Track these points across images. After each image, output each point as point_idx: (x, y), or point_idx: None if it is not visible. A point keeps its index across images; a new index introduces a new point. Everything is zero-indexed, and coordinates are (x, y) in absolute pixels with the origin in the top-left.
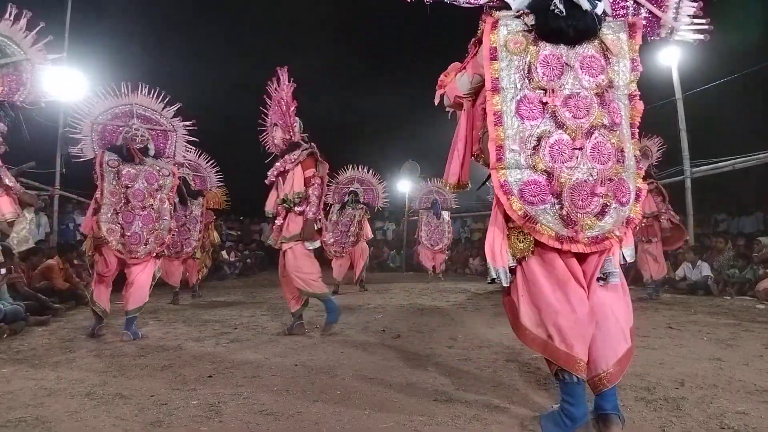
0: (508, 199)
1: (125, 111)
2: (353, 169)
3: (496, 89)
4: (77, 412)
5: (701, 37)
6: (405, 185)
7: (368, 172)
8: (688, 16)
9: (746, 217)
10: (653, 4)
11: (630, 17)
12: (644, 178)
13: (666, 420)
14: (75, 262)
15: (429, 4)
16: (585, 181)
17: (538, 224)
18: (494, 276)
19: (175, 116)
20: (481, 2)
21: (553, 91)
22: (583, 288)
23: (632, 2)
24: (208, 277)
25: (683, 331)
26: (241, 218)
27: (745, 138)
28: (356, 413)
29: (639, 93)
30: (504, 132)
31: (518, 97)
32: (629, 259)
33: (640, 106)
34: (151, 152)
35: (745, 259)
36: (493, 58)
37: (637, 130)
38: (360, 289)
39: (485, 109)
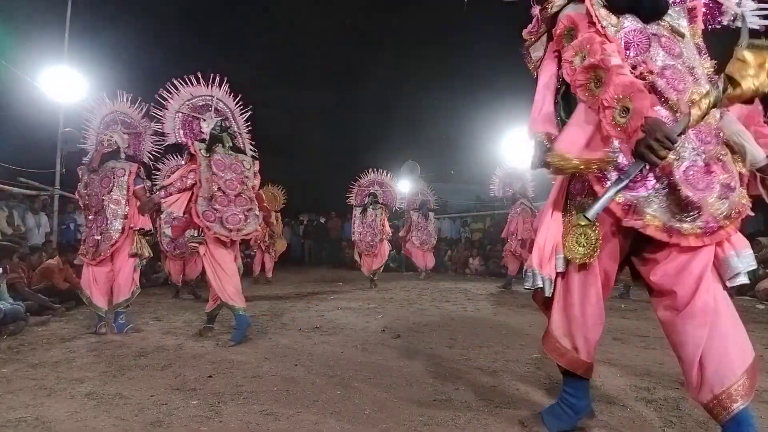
0: (602, 186)
1: (203, 103)
2: (373, 172)
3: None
4: (77, 412)
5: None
6: (405, 185)
7: (386, 174)
8: (753, 2)
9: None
10: None
11: (689, 2)
12: None
13: (666, 420)
14: (75, 262)
15: None
16: (694, 162)
17: (644, 215)
18: (539, 284)
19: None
20: None
21: (645, 64)
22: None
23: None
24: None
25: None
26: None
27: None
28: (356, 413)
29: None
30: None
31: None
32: (745, 267)
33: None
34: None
35: None
36: (595, 21)
37: None
38: (371, 285)
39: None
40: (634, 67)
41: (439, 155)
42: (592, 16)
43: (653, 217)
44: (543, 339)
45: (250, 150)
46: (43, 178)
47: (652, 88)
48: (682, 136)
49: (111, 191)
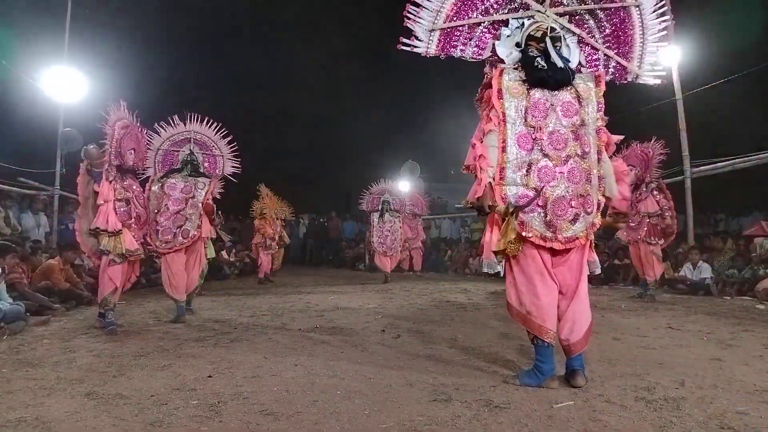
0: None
1: (183, 138)
2: (384, 182)
3: (504, 120)
4: (77, 412)
5: (658, 81)
6: (405, 185)
7: (395, 182)
8: (650, 64)
9: (745, 217)
10: (620, 56)
11: (597, 70)
12: (643, 180)
13: (666, 420)
14: (75, 262)
15: (443, 59)
16: (563, 196)
17: (529, 227)
18: (485, 268)
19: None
20: (483, 57)
21: (540, 129)
22: (554, 280)
23: (603, 55)
24: (208, 277)
25: (683, 331)
26: (241, 218)
27: (745, 138)
28: (356, 413)
29: (604, 126)
30: (506, 157)
31: (517, 132)
32: (596, 271)
33: (603, 136)
34: None
35: (745, 259)
36: (500, 97)
37: (604, 154)
38: (385, 280)
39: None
40: (533, 127)
41: (439, 155)
42: (494, 96)
43: (536, 231)
44: (508, 311)
45: (231, 167)
46: (43, 178)
47: (541, 149)
48: (560, 176)
49: None
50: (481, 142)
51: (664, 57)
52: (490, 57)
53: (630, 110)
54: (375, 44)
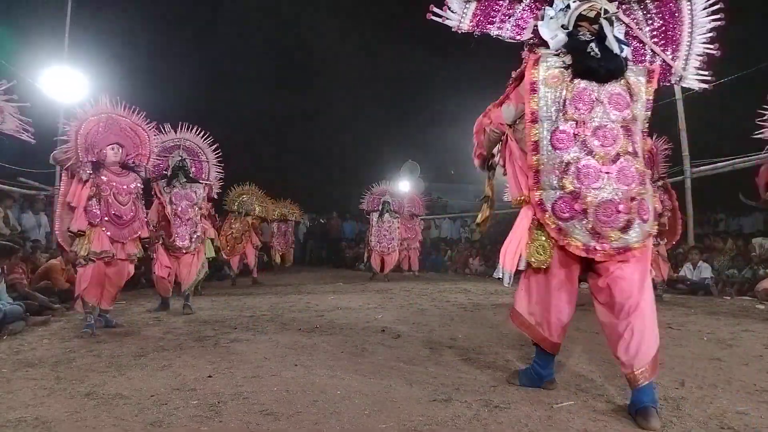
0: (544, 215)
1: (173, 144)
2: (385, 183)
3: (535, 120)
4: (77, 412)
5: (705, 86)
6: (405, 185)
7: (395, 183)
8: (695, 67)
9: (746, 217)
10: (666, 54)
11: (650, 64)
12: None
13: (666, 420)
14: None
15: (477, 36)
16: (610, 200)
17: (569, 237)
18: (500, 276)
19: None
20: (523, 38)
21: (584, 123)
22: (573, 296)
23: (650, 51)
24: (208, 277)
25: (683, 331)
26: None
27: (745, 138)
28: (356, 413)
29: (647, 131)
30: (540, 159)
31: (553, 128)
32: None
33: (647, 141)
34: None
35: (745, 259)
36: (534, 91)
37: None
38: (385, 279)
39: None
40: (575, 121)
41: (439, 155)
42: (527, 90)
43: (577, 240)
44: (510, 315)
45: (216, 173)
46: (43, 178)
47: (585, 145)
48: (608, 177)
49: None
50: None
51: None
52: (530, 39)
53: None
54: (373, 44)
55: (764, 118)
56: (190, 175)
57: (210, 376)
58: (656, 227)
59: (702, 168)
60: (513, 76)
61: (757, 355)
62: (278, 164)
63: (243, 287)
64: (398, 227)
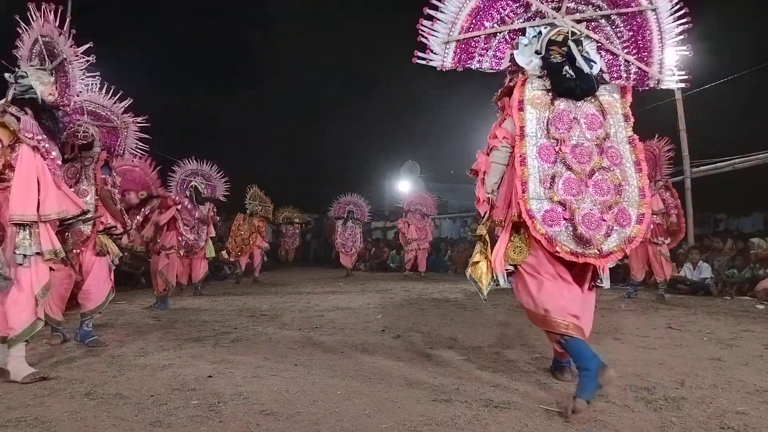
0: (533, 222)
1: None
2: (350, 195)
3: (522, 135)
4: (77, 412)
5: (683, 85)
6: (405, 185)
7: (358, 196)
8: (670, 69)
9: (745, 217)
10: (640, 62)
11: (626, 74)
12: (653, 178)
13: (666, 420)
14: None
15: (461, 71)
16: (592, 210)
17: (558, 243)
18: (496, 282)
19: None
20: (501, 68)
21: (564, 142)
22: (567, 279)
23: (623, 60)
24: (209, 277)
25: (683, 331)
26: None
27: (745, 138)
28: (356, 413)
29: (636, 136)
30: (527, 171)
31: (539, 144)
32: (606, 286)
33: (640, 146)
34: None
35: (745, 259)
36: (521, 109)
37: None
38: (347, 274)
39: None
40: (556, 139)
41: (439, 155)
42: (515, 107)
43: (566, 247)
44: (528, 317)
45: (221, 195)
46: None
47: (564, 161)
48: (585, 190)
49: (78, 182)
50: (488, 155)
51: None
52: (508, 67)
53: (630, 110)
54: (372, 46)
55: None
56: (202, 195)
57: (210, 376)
58: (642, 233)
59: (702, 168)
60: (499, 92)
61: (757, 355)
62: (277, 163)
63: (243, 286)
64: (359, 232)
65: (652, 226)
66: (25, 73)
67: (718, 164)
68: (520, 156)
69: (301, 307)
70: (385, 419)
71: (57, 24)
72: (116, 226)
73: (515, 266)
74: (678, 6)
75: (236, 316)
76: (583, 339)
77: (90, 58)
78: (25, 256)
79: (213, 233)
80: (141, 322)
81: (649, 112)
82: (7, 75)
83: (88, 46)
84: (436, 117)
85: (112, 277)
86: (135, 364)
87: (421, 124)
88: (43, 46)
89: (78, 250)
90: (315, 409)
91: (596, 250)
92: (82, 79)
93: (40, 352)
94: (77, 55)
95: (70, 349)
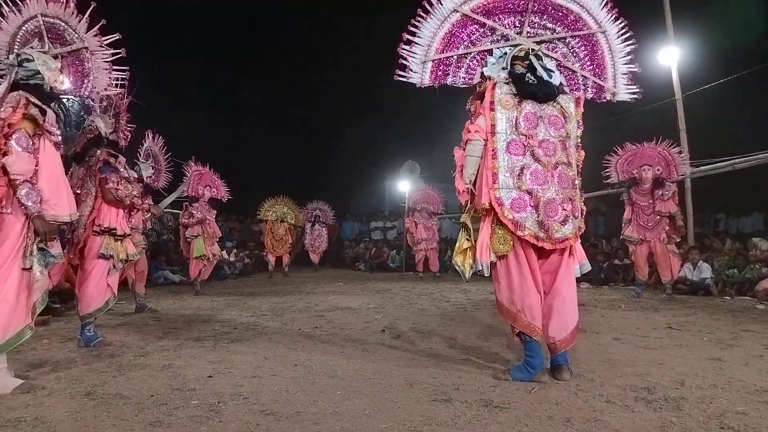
0: (501, 209)
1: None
2: (315, 202)
3: (494, 132)
4: (77, 412)
5: (636, 96)
6: (405, 185)
7: (323, 203)
8: (624, 84)
9: (745, 217)
10: (596, 77)
11: (583, 87)
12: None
13: (666, 420)
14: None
15: (437, 87)
16: (554, 199)
17: (523, 227)
18: (479, 268)
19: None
20: (473, 83)
21: (532, 137)
22: (538, 280)
23: (581, 76)
24: (208, 278)
25: (683, 331)
26: (242, 218)
27: (745, 138)
28: (356, 413)
29: (581, 144)
30: (498, 164)
31: (508, 140)
32: (582, 272)
33: (581, 153)
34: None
35: (745, 259)
36: (492, 109)
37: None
38: (315, 269)
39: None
40: (525, 135)
41: (438, 155)
42: (487, 107)
43: (530, 230)
44: (498, 310)
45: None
46: None
47: (533, 154)
48: (551, 180)
49: (84, 184)
50: (463, 150)
51: (634, 78)
52: (479, 81)
53: (630, 110)
54: (371, 50)
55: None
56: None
57: (210, 376)
58: (583, 226)
59: (702, 168)
60: (472, 97)
61: (757, 355)
62: (277, 163)
63: (244, 286)
64: (325, 232)
65: (666, 228)
66: (31, 56)
67: (718, 164)
68: (492, 150)
69: (301, 307)
70: (385, 419)
71: (74, 11)
72: (116, 228)
73: (499, 257)
74: (624, 29)
75: (236, 316)
76: (539, 342)
77: (120, 52)
78: (54, 256)
79: (198, 232)
80: (141, 322)
81: (649, 112)
82: (10, 58)
83: (115, 37)
84: (436, 117)
85: (114, 282)
86: (135, 364)
87: (421, 125)
88: (43, 27)
89: (73, 255)
90: (315, 409)
91: (550, 236)
92: (107, 71)
93: (40, 353)
94: (102, 46)
95: (70, 349)
